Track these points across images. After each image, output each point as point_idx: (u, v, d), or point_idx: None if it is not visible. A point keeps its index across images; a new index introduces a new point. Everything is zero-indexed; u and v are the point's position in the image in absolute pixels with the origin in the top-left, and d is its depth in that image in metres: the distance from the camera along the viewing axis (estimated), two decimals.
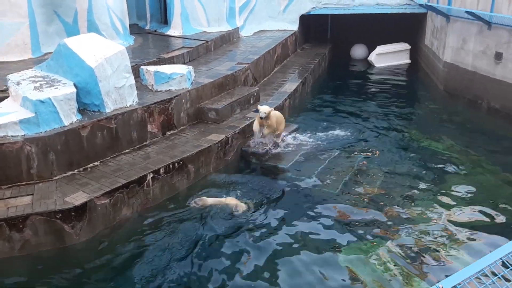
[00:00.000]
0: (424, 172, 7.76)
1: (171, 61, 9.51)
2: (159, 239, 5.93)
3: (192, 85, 8.35)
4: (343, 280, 5.19)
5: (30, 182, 6.14)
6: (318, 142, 8.80)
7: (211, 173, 7.51)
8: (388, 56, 15.45)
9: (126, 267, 5.47)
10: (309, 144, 8.65)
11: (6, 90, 6.88)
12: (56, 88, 6.53)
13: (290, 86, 10.75)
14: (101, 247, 5.77)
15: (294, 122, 9.70)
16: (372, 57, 15.49)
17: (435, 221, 6.27)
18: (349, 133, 9.42)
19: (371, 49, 15.90)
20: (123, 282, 5.27)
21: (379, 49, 15.39)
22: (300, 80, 11.35)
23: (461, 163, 8.08)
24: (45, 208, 5.61)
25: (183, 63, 9.81)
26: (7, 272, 5.38)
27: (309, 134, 9.12)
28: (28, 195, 5.90)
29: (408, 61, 15.70)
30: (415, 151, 8.66)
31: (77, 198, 5.82)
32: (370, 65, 15.69)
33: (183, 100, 8.02)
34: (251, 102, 9.17)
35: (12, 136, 6.05)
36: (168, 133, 7.77)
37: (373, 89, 13.16)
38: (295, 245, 5.81)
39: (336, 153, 8.34)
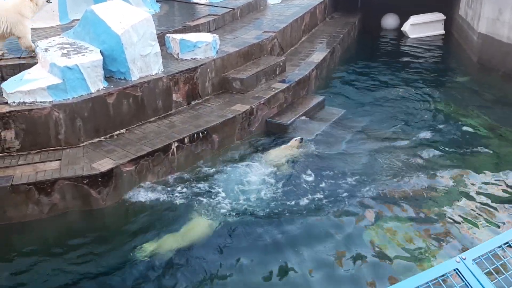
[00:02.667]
0: (453, 146, 7.58)
1: (196, 29, 9.42)
2: (182, 207, 6.02)
3: (217, 54, 8.28)
4: (367, 255, 5.18)
5: (58, 147, 6.27)
6: (345, 114, 8.67)
7: (235, 143, 7.51)
8: (422, 27, 14.90)
9: (149, 233, 5.59)
10: (335, 116, 8.53)
11: (34, 57, 6.96)
12: (83, 55, 6.57)
13: (318, 56, 10.53)
14: (127, 212, 5.89)
15: (320, 93, 9.55)
16: (406, 28, 14.96)
17: (461, 196, 6.18)
18: (377, 106, 9.24)
19: (402, 18, 15.37)
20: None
21: (413, 19, 14.84)
22: (328, 50, 11.10)
23: (492, 138, 7.85)
24: (72, 173, 5.74)
25: (209, 31, 9.71)
26: (36, 234, 5.58)
27: (335, 106, 8.98)
28: (56, 160, 6.04)
29: (442, 31, 15.14)
30: (444, 125, 8.43)
31: (104, 165, 5.92)
32: (401, 35, 15.19)
33: (208, 69, 7.97)
34: (277, 72, 9.05)
35: (40, 102, 6.16)
36: (192, 102, 7.77)
37: (403, 61, 12.77)
38: (317, 219, 5.81)
39: (364, 125, 8.22)
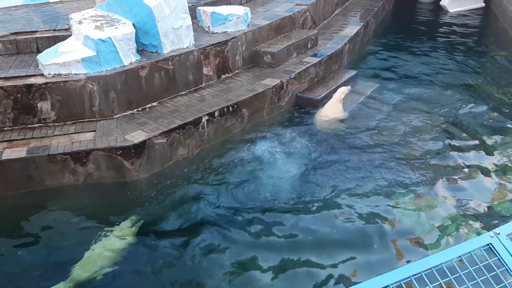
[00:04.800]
0: (487, 126, 7.35)
1: (227, 1, 9.33)
2: (213, 180, 6.10)
3: (248, 27, 8.20)
4: (398, 231, 5.17)
5: (93, 119, 6.42)
6: (378, 88, 8.50)
7: (264, 118, 7.50)
8: (463, 0, 14.31)
9: (180, 204, 5.71)
10: (368, 92, 8.39)
11: (69, 29, 7.07)
12: (116, 28, 6.63)
13: (351, 29, 10.30)
14: (158, 183, 6.02)
15: (353, 68, 9.38)
16: (446, 1, 14.39)
17: (492, 174, 6.03)
18: (411, 81, 9.01)
19: None
20: (176, 217, 5.53)
21: None
22: (362, 24, 10.82)
23: None
24: (106, 144, 5.87)
25: (240, 4, 9.60)
26: (72, 201, 5.78)
27: (368, 81, 8.82)
28: (90, 131, 6.19)
29: (483, 4, 14.50)
30: (481, 103, 8.16)
31: (137, 136, 6.04)
32: (438, 9, 14.64)
33: (239, 43, 7.92)
34: (309, 46, 8.92)
35: (75, 74, 6.28)
36: (223, 76, 7.77)
37: (439, 35, 12.33)
38: (345, 197, 5.79)
39: (397, 100, 8.06)
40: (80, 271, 4.70)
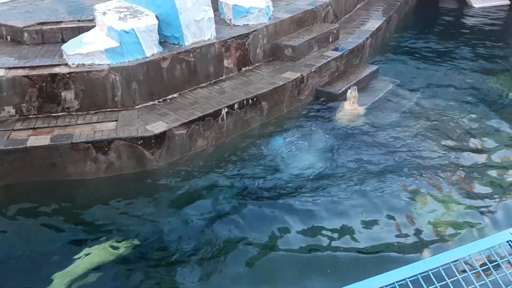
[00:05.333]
0: (509, 124, 7.23)
1: None
2: (230, 171, 6.15)
3: (270, 20, 8.20)
4: (417, 227, 5.16)
5: (115, 109, 6.51)
6: (399, 85, 8.42)
7: (284, 111, 7.51)
8: None
9: (197, 195, 5.78)
10: (389, 87, 8.31)
11: (93, 20, 7.18)
12: (139, 19, 6.70)
13: (373, 24, 10.20)
14: (178, 174, 6.10)
15: (374, 62, 9.30)
16: None
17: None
18: (433, 78, 8.90)
19: None
20: (192, 207, 5.60)
21: None
22: (384, 19, 10.71)
23: None
24: (128, 134, 5.97)
25: None
26: (93, 188, 5.89)
27: (389, 77, 8.73)
28: (112, 121, 6.28)
29: (508, 2, 14.18)
30: (507, 102, 8.03)
31: (157, 127, 6.11)
32: (463, 4, 14.38)
33: (260, 36, 7.93)
34: (330, 40, 8.87)
35: (98, 64, 6.38)
36: (243, 69, 7.79)
37: (464, 32, 12.10)
38: (365, 190, 5.79)
39: (418, 97, 7.98)
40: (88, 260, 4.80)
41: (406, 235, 5.03)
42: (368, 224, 5.23)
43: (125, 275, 4.72)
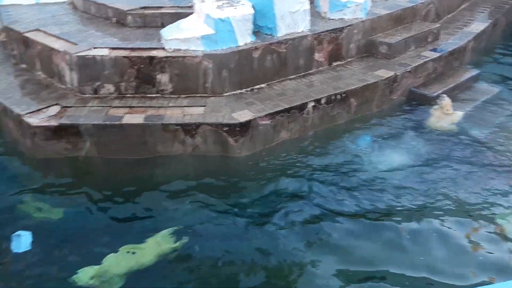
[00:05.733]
0: None
1: None
2: (311, 166, 6.07)
3: (367, 15, 7.94)
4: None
5: (204, 95, 6.69)
6: (499, 95, 7.77)
7: (373, 110, 7.26)
8: None
9: (274, 186, 5.77)
10: (489, 95, 7.71)
11: (192, 7, 7.40)
12: (235, 8, 6.79)
13: (477, 26, 9.49)
14: (258, 163, 6.14)
15: (475, 67, 8.67)
16: None
17: None
18: None
19: None
20: (268, 199, 5.61)
21: None
22: (490, 21, 9.92)
23: None
24: (214, 120, 6.11)
25: None
26: (178, 169, 6.12)
27: (489, 84, 8.10)
28: (201, 106, 6.45)
29: None
30: None
31: (243, 115, 6.19)
32: None
33: (355, 31, 7.70)
34: (429, 40, 8.40)
35: (193, 50, 6.57)
36: (334, 63, 7.63)
37: None
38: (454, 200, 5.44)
39: None
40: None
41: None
42: (454, 235, 4.92)
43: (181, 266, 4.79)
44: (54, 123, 5.98)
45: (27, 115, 6.11)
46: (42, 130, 5.95)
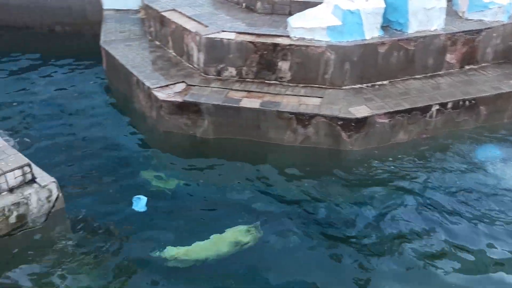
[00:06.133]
0: None
1: None
2: (425, 173, 5.72)
3: (509, 19, 7.23)
4: None
5: (322, 86, 6.61)
6: None
7: (504, 120, 6.63)
8: None
9: (382, 189, 5.52)
10: None
11: None
12: (367, 0, 6.59)
13: None
14: (370, 162, 5.93)
15: None
16: None
17: None
18: None
19: None
20: (380, 197, 5.39)
21: None
22: None
23: None
24: (330, 113, 6.02)
25: None
26: (289, 157, 6.14)
27: None
28: (318, 97, 6.40)
29: None
30: None
31: (360, 111, 6.02)
32: None
33: (494, 34, 7.06)
34: None
35: (317, 40, 6.53)
36: (466, 67, 7.08)
37: None
38: None
39: None
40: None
41: None
42: None
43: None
44: (178, 99, 6.35)
45: (156, 89, 6.57)
46: (168, 104, 6.35)
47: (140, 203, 5.21)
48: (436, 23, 6.77)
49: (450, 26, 6.95)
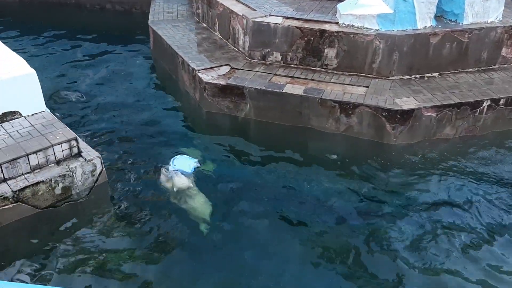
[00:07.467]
0: None
1: None
2: (474, 169, 5.51)
3: None
4: None
5: (369, 75, 6.47)
6: None
7: None
8: None
9: (428, 183, 5.38)
10: None
11: None
12: None
13: None
14: (414, 156, 5.78)
15: None
16: None
17: None
18: None
19: None
20: (419, 194, 5.27)
21: None
22: None
23: None
24: (375, 103, 5.88)
25: None
26: (329, 145, 6.07)
27: None
28: (364, 86, 6.27)
29: None
30: None
31: (406, 103, 5.85)
32: None
33: None
34: None
35: (367, 28, 6.37)
36: None
37: None
38: None
39: None
40: None
41: None
42: None
43: None
44: (222, 82, 6.37)
45: (201, 71, 6.61)
46: (212, 86, 6.39)
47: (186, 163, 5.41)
48: (493, 15, 6.45)
49: (508, 19, 6.61)
